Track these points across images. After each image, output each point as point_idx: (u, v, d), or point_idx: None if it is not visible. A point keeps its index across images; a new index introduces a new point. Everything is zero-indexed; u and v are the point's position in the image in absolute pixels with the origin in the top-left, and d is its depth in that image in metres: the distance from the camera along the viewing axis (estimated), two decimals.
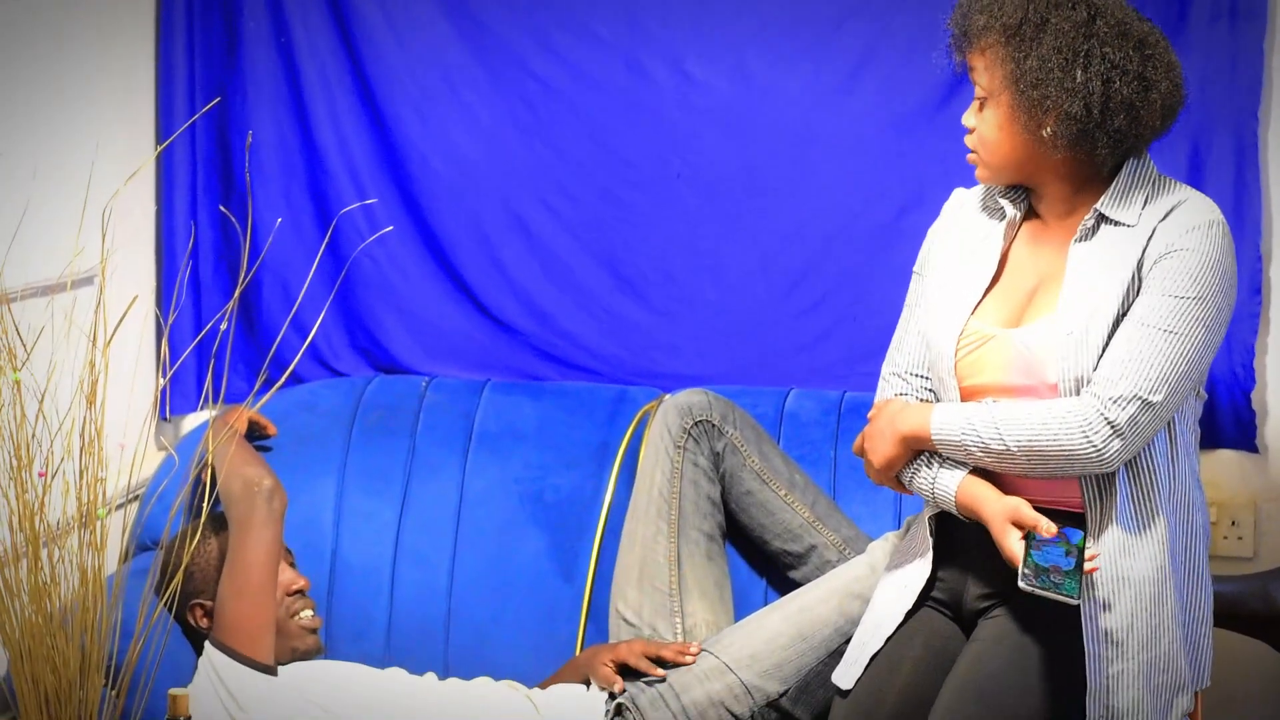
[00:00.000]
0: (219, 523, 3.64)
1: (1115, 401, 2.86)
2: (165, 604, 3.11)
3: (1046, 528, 2.89)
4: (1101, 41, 2.93)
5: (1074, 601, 2.84)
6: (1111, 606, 2.94)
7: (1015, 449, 2.93)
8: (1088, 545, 2.90)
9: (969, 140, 3.09)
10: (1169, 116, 3.01)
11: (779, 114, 4.06)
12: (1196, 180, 3.78)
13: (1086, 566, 2.87)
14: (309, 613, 3.64)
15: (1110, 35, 2.94)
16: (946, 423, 3.01)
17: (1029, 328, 3.02)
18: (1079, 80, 2.92)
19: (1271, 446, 3.92)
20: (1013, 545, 2.92)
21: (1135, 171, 3.02)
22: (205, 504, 3.25)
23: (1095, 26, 2.94)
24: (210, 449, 3.51)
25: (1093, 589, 2.94)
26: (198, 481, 3.60)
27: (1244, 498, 3.95)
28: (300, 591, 3.64)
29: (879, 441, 3.12)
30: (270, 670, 3.45)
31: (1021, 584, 2.88)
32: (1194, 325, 2.89)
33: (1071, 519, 2.96)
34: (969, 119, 3.08)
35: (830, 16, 4.02)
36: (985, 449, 2.96)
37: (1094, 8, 2.96)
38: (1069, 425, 2.89)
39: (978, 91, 3.06)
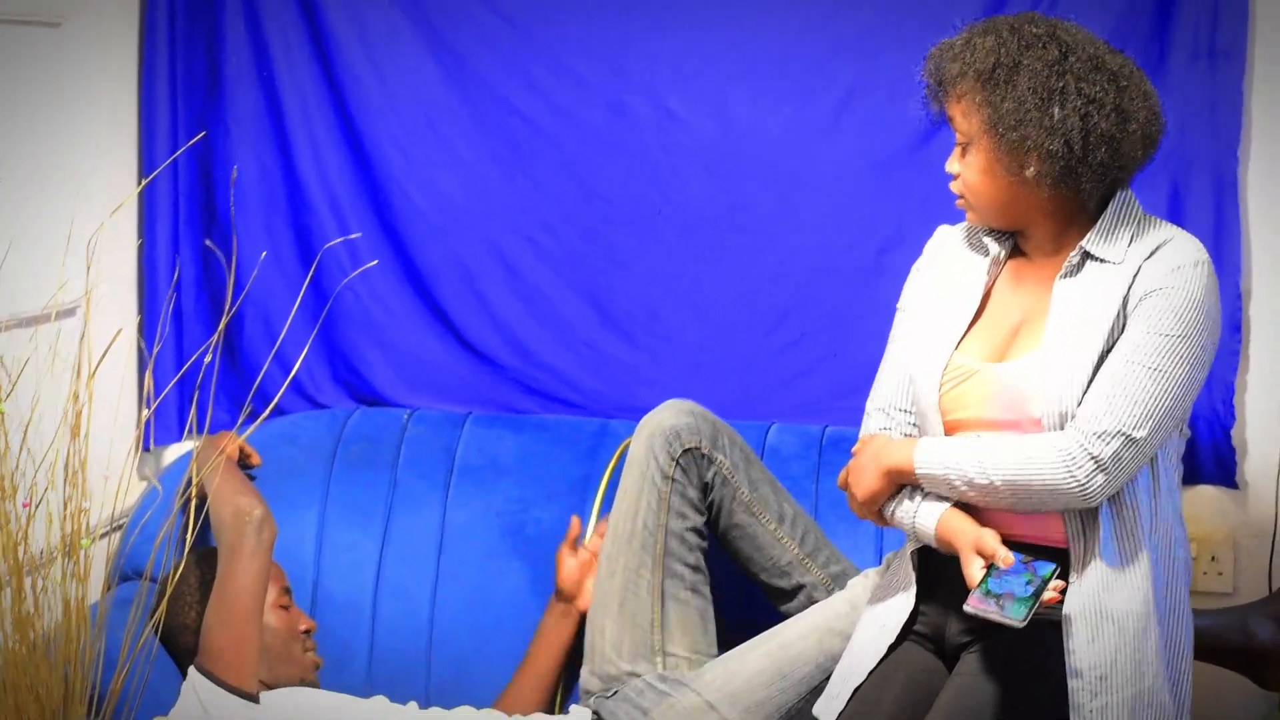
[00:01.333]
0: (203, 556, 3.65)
1: (1100, 436, 2.88)
2: (154, 628, 3.11)
3: (1004, 558, 2.90)
4: (1076, 77, 2.95)
5: (1017, 624, 2.83)
6: (1095, 640, 2.94)
7: (999, 483, 2.94)
8: (1062, 582, 2.91)
9: (954, 186, 3.11)
10: (1150, 146, 3.03)
11: (761, 153, 4.07)
12: (1177, 219, 3.80)
13: (1045, 596, 2.87)
14: (313, 653, 3.66)
15: (1084, 70, 2.96)
16: (930, 457, 3.02)
17: (1013, 363, 3.04)
18: (1056, 118, 2.94)
19: (1251, 483, 3.93)
20: (974, 572, 2.93)
21: (1120, 208, 3.04)
22: (190, 533, 3.25)
23: (1068, 63, 2.96)
24: (196, 476, 3.51)
25: (1071, 623, 2.95)
26: (184, 509, 3.60)
27: (1223, 533, 3.96)
28: (308, 632, 3.66)
29: (863, 475, 3.13)
30: (253, 698, 3.45)
31: (965, 606, 2.89)
32: (1178, 363, 2.91)
33: (1054, 555, 2.97)
34: (952, 165, 3.10)
35: (812, 57, 4.03)
36: (969, 484, 2.97)
37: (1065, 45, 2.98)
38: (1053, 460, 2.90)
39: (959, 137, 3.07)
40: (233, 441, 3.75)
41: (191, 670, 3.45)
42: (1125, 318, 2.96)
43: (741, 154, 4.08)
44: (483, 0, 4.12)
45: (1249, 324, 3.89)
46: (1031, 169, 2.98)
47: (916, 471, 3.04)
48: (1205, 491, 3.95)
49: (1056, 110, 2.94)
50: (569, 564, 3.80)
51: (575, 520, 3.84)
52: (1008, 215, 3.08)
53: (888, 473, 3.09)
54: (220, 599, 3.50)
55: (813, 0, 4.02)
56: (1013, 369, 3.03)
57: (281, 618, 3.62)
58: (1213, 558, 3.96)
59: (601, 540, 3.75)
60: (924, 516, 3.05)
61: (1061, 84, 2.95)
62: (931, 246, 3.30)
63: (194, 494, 3.51)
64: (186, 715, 3.41)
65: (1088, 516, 2.97)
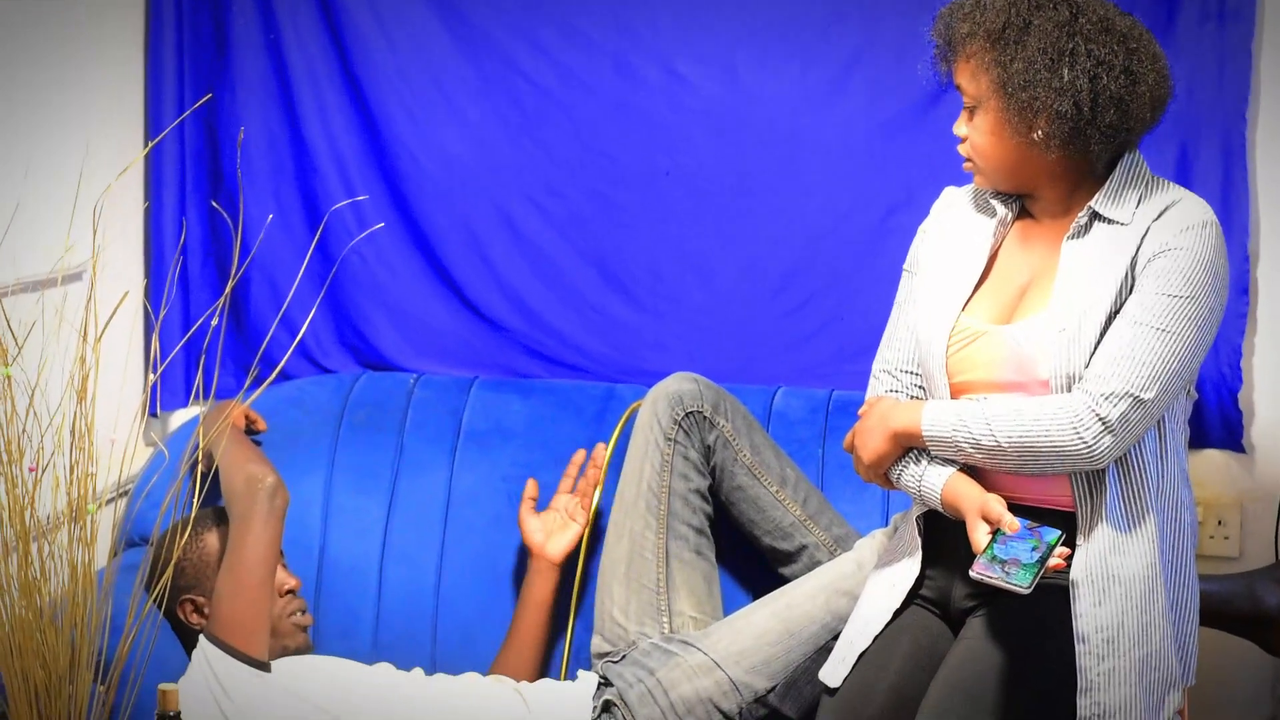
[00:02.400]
0: (216, 518, 3.64)
1: (1107, 398, 2.88)
2: (155, 600, 3.11)
3: (1009, 524, 2.90)
4: (1086, 38, 2.95)
5: (1022, 590, 2.83)
6: (1102, 604, 2.95)
7: (1006, 445, 2.94)
8: (1068, 549, 2.91)
9: (962, 149, 3.10)
10: (1158, 108, 3.02)
11: (767, 115, 4.06)
12: (1185, 181, 3.79)
13: (1051, 563, 2.87)
14: (300, 612, 3.65)
15: (1094, 31, 2.95)
16: (938, 419, 3.02)
17: (1020, 324, 3.03)
18: (1066, 79, 2.93)
19: (1258, 446, 3.93)
20: (979, 537, 2.93)
21: (1129, 170, 3.03)
22: (196, 499, 3.26)
23: (1078, 24, 2.96)
24: (201, 443, 3.50)
25: (1077, 587, 2.95)
26: (191, 475, 3.59)
27: (1230, 497, 3.96)
28: (292, 591, 3.65)
29: (869, 438, 3.13)
30: (264, 666, 3.45)
31: (971, 572, 2.90)
32: (1186, 324, 2.90)
33: (1061, 518, 2.98)
34: (960, 128, 3.09)
35: (819, 20, 4.03)
36: (976, 445, 2.97)
37: (1075, 6, 2.97)
38: (1060, 421, 2.90)
39: (966, 100, 3.07)
40: (237, 411, 3.74)
41: (202, 639, 3.45)
42: (1133, 279, 2.96)
43: (748, 116, 4.07)
44: None
45: (1256, 287, 3.89)
46: (1040, 131, 2.97)
47: (924, 433, 3.04)
48: (1212, 455, 3.95)
49: (1066, 71, 2.93)
50: (531, 523, 3.81)
51: (531, 482, 3.85)
52: (1016, 178, 3.08)
53: (895, 435, 3.09)
54: (232, 567, 3.50)
55: None
56: (1020, 330, 3.02)
57: None
58: (1219, 522, 3.96)
59: (565, 499, 3.81)
60: (930, 480, 3.05)
61: (1071, 45, 2.94)
62: (937, 208, 3.29)
63: (200, 461, 3.50)
64: (197, 683, 3.42)
65: (1095, 479, 2.97)
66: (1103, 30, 2.97)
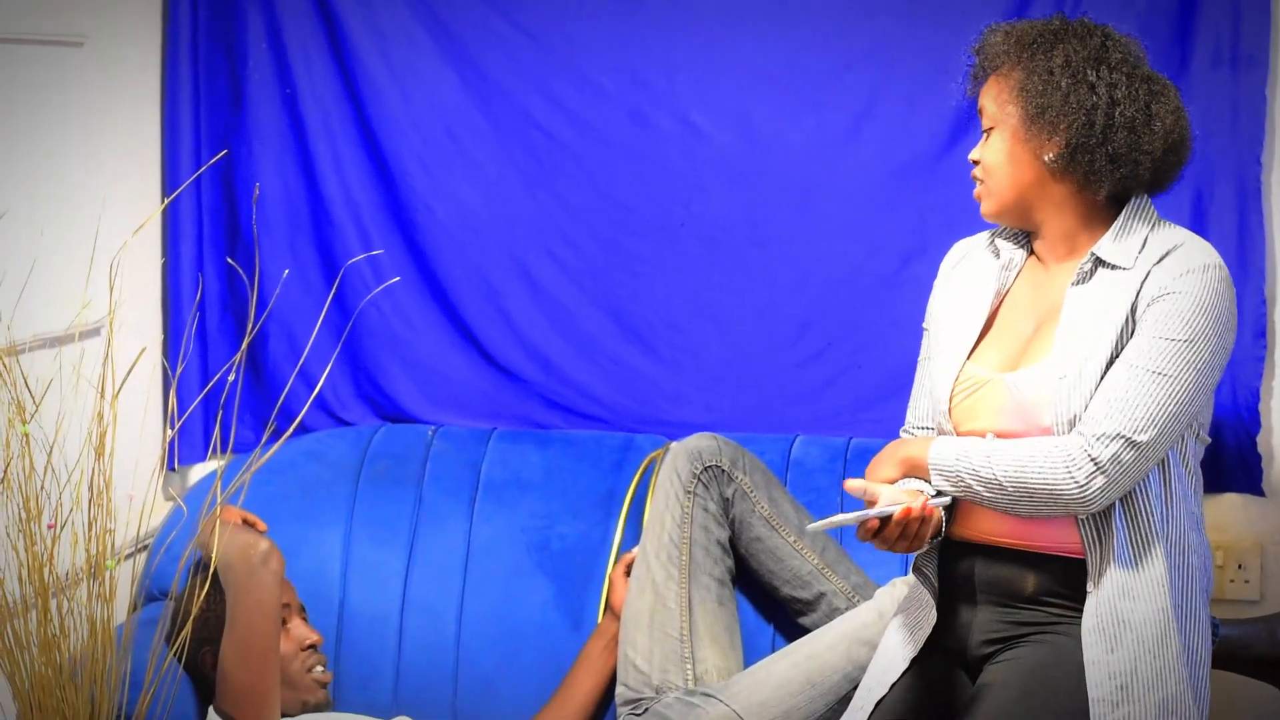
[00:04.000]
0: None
1: (1099, 439, 2.88)
2: (175, 654, 3.11)
3: (870, 497, 2.97)
4: (1111, 68, 2.99)
5: (812, 522, 2.91)
6: (1114, 650, 2.94)
7: (1003, 479, 2.94)
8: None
9: (975, 173, 3.12)
10: (1170, 152, 3.02)
11: (782, 164, 4.07)
12: (1199, 225, 3.79)
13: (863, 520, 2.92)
14: (320, 668, 3.64)
15: (1120, 65, 3.00)
16: (943, 450, 3.03)
17: (1023, 372, 3.04)
18: (1085, 95, 2.96)
19: (1278, 490, 3.92)
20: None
21: (1134, 214, 3.04)
22: (215, 553, 3.25)
23: (1107, 55, 3.00)
24: (211, 539, 3.40)
25: (1089, 635, 2.96)
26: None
27: (1250, 541, 3.95)
28: (314, 646, 3.63)
29: (879, 465, 3.13)
30: None
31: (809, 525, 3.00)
32: (1184, 368, 2.90)
33: (1073, 565, 2.99)
34: (976, 153, 3.12)
35: (832, 67, 4.03)
36: (975, 476, 2.97)
37: (1109, 38, 3.03)
38: (1053, 459, 2.91)
39: (985, 122, 3.09)
40: (235, 512, 3.67)
41: (211, 714, 3.43)
42: (1134, 324, 2.96)
43: (763, 165, 4.08)
44: (504, 13, 4.13)
45: (1274, 330, 3.88)
46: (1051, 152, 3.00)
47: (930, 462, 3.04)
48: (1231, 499, 3.94)
49: (1086, 89, 2.96)
50: (622, 587, 3.80)
51: (635, 551, 3.83)
52: (1022, 202, 3.08)
53: (903, 461, 3.10)
54: (234, 639, 3.42)
55: (832, 9, 4.02)
56: (1022, 378, 3.03)
57: (281, 639, 3.57)
58: (1239, 565, 3.94)
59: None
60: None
61: (1097, 71, 2.98)
62: (947, 261, 3.31)
63: (202, 559, 3.45)
64: None
65: (1103, 524, 2.97)
66: (1131, 70, 3.01)
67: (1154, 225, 3.04)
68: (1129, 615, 2.95)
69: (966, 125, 3.90)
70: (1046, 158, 3.01)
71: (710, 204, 4.10)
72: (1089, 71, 2.98)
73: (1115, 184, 3.03)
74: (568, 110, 4.13)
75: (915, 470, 3.09)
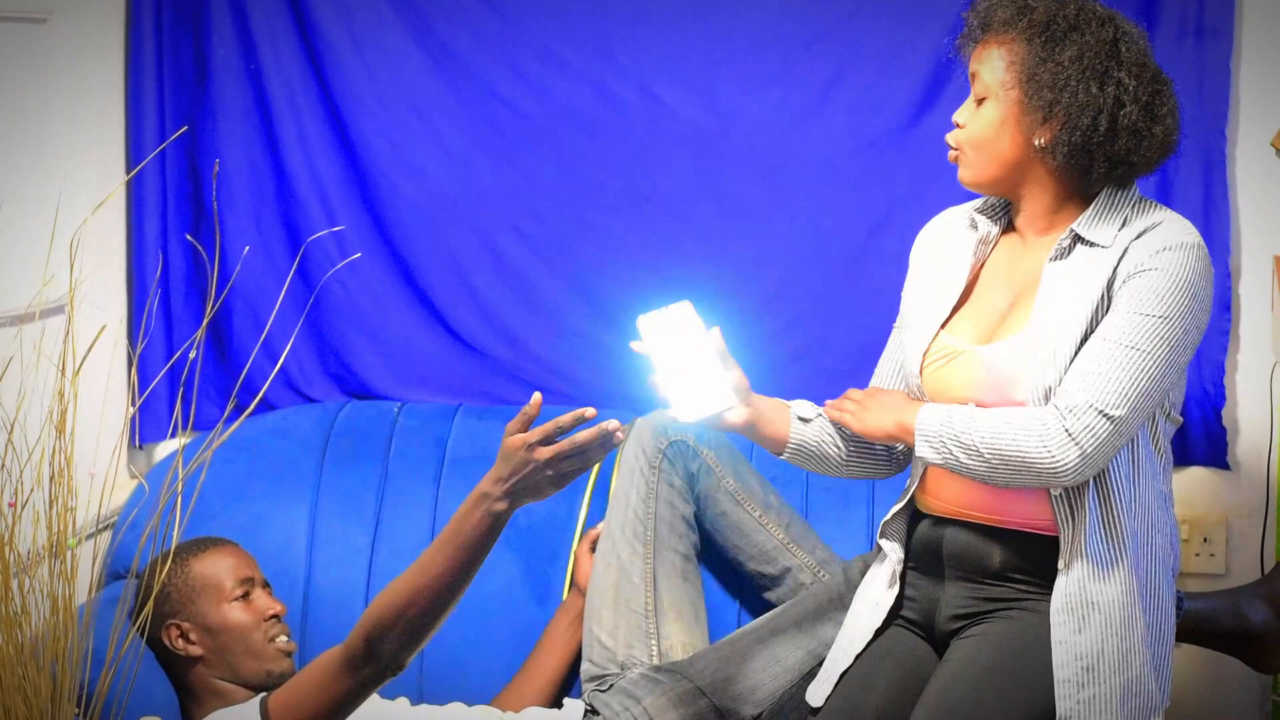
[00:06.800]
0: (200, 546, 3.62)
1: (1072, 411, 2.87)
2: (138, 629, 3.10)
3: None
4: (1121, 64, 2.96)
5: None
6: (1081, 631, 2.95)
7: (980, 446, 2.93)
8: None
9: (951, 138, 3.08)
10: (1163, 154, 3.02)
11: (748, 137, 4.06)
12: (1165, 197, 3.80)
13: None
14: (284, 637, 3.63)
15: (1131, 61, 2.97)
16: (930, 415, 3.01)
17: (997, 345, 3.03)
18: (1093, 94, 2.94)
19: (1243, 463, 3.93)
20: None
21: (1116, 193, 3.03)
22: (178, 530, 3.24)
23: (1120, 50, 2.97)
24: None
25: (1057, 615, 2.96)
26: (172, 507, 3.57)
27: (1216, 515, 3.96)
28: (276, 616, 3.63)
29: (878, 413, 3.12)
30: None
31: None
32: (1158, 344, 2.89)
33: (1046, 542, 2.99)
34: (961, 115, 3.07)
35: (798, 40, 4.03)
36: (957, 441, 2.96)
37: (1120, 32, 2.99)
38: (1028, 429, 2.90)
39: (975, 90, 3.05)
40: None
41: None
42: (1110, 299, 2.95)
43: (729, 139, 4.08)
44: None
45: (1239, 303, 3.89)
46: (1045, 136, 2.98)
47: (916, 427, 3.03)
48: (1197, 473, 3.95)
49: (1095, 87, 2.94)
50: (588, 563, 3.80)
51: (600, 526, 3.83)
52: (1004, 177, 3.06)
53: (898, 425, 3.08)
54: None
55: None
56: (996, 351, 3.02)
57: (241, 610, 3.57)
58: (1205, 539, 3.95)
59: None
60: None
61: (1107, 66, 2.96)
62: (927, 230, 3.29)
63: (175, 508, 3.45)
64: None
65: (1075, 502, 2.97)
66: (1139, 64, 2.98)
67: (1136, 204, 3.03)
68: (1097, 597, 2.95)
69: (934, 99, 3.90)
70: (1038, 142, 2.99)
71: (676, 177, 4.09)
72: (1100, 70, 2.95)
73: (1109, 182, 3.03)
74: (533, 85, 4.12)
75: (905, 437, 3.07)
